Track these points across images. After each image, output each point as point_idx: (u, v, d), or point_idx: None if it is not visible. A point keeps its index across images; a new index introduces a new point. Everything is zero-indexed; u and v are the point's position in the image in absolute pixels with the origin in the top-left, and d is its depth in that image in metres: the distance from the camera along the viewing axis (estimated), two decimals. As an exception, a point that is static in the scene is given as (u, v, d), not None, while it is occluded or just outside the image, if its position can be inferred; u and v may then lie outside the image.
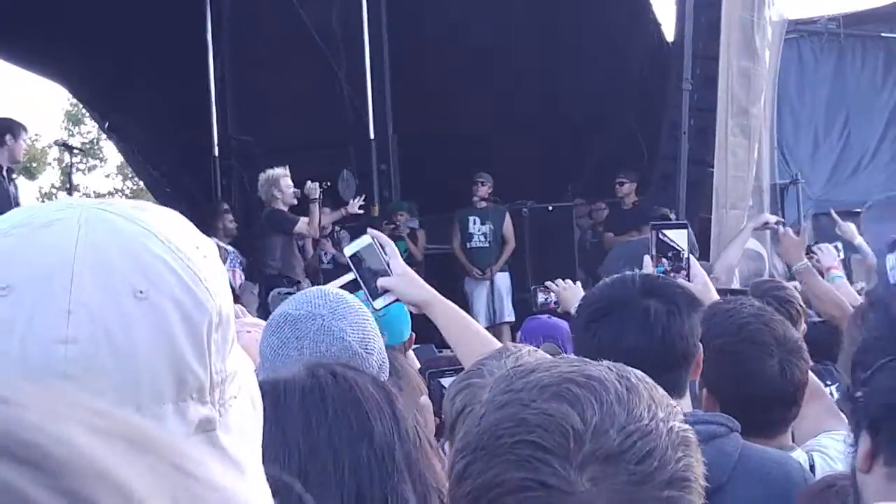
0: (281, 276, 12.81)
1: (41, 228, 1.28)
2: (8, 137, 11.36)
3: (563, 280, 6.14)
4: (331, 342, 3.00)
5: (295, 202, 13.17)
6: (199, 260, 1.31)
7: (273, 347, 3.03)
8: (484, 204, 15.45)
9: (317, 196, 12.85)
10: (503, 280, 15.18)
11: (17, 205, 11.41)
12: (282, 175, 13.18)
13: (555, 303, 6.35)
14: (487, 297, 15.08)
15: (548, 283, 7.18)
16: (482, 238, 15.41)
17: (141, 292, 1.25)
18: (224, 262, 14.14)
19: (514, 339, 13.05)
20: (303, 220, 12.98)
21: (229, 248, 14.29)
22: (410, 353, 5.51)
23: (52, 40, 17.65)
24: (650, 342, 3.14)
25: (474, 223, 15.44)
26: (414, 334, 5.47)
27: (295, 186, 13.53)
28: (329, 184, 13.15)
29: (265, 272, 13.70)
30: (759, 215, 10.30)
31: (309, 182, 12.99)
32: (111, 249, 1.26)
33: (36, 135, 40.45)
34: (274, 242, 13.27)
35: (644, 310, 3.19)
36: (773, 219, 9.17)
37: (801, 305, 5.62)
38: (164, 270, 1.27)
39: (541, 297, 6.86)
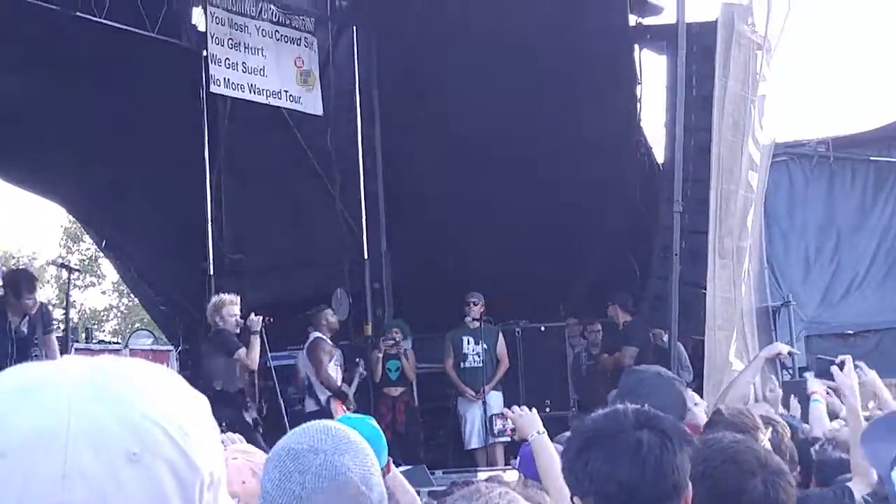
0: (224, 394, 12.83)
1: (33, 392, 1.31)
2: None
3: (520, 407, 6.18)
4: (333, 477, 3.03)
5: (237, 331, 13.14)
6: (191, 420, 1.34)
7: (274, 482, 3.06)
8: (477, 324, 15.46)
9: (258, 329, 12.85)
10: (496, 399, 15.11)
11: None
12: (228, 302, 13.19)
13: (511, 430, 6.36)
14: (481, 418, 15.04)
15: (504, 410, 7.23)
16: (476, 358, 15.39)
17: (134, 454, 1.28)
18: (331, 360, 14.32)
19: (507, 462, 13.06)
20: (241, 349, 12.96)
21: (335, 349, 14.78)
22: (398, 474, 5.49)
23: (52, 160, 17.78)
24: (642, 474, 3.17)
25: (468, 343, 15.43)
26: (391, 459, 5.47)
27: (270, 309, 13.60)
28: (272, 319, 13.11)
29: (208, 391, 13.75)
30: (771, 345, 10.34)
31: (252, 314, 12.99)
32: (103, 413, 1.29)
33: (34, 252, 40.62)
34: (217, 362, 13.28)
35: (637, 441, 3.23)
36: (785, 349, 9.24)
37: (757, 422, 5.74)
38: (156, 432, 1.30)
39: (498, 425, 6.92)
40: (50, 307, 13.30)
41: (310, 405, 14.67)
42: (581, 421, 3.62)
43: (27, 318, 11.98)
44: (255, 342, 12.85)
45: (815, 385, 8.52)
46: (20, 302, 11.79)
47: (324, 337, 14.86)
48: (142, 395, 1.32)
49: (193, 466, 1.31)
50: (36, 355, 11.84)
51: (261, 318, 12.90)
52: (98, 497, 1.26)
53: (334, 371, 14.87)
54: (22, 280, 12.38)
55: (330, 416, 14.01)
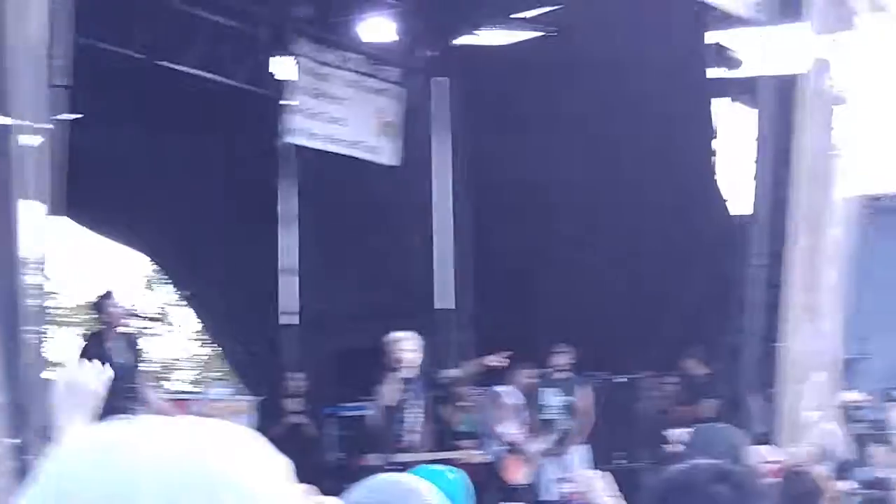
0: None
1: (108, 449, 1.32)
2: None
3: (584, 471, 6.17)
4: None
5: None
6: (267, 484, 1.33)
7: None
8: (562, 375, 15.39)
9: None
10: (580, 454, 14.92)
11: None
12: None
13: (578, 493, 6.33)
14: (560, 470, 14.83)
15: (571, 474, 7.23)
16: (558, 410, 15.28)
17: None
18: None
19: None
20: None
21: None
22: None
23: (136, 211, 17.99)
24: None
25: (551, 395, 15.34)
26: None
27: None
28: None
29: None
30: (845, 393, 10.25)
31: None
32: (177, 475, 1.29)
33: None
34: None
35: (714, 495, 3.23)
36: (860, 397, 9.19)
37: (822, 487, 5.71)
38: (229, 498, 1.29)
39: (565, 488, 6.86)
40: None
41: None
42: (656, 475, 3.62)
43: (125, 343, 12.15)
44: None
45: None
46: (108, 313, 11.89)
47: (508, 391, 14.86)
48: (215, 457, 1.32)
49: None
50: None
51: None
52: None
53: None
54: (101, 297, 12.60)
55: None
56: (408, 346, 13.10)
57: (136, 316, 12.11)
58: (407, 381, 13.09)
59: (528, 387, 14.91)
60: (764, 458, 6.77)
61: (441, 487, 3.30)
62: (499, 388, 14.68)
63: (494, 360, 13.82)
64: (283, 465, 1.37)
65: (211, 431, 1.35)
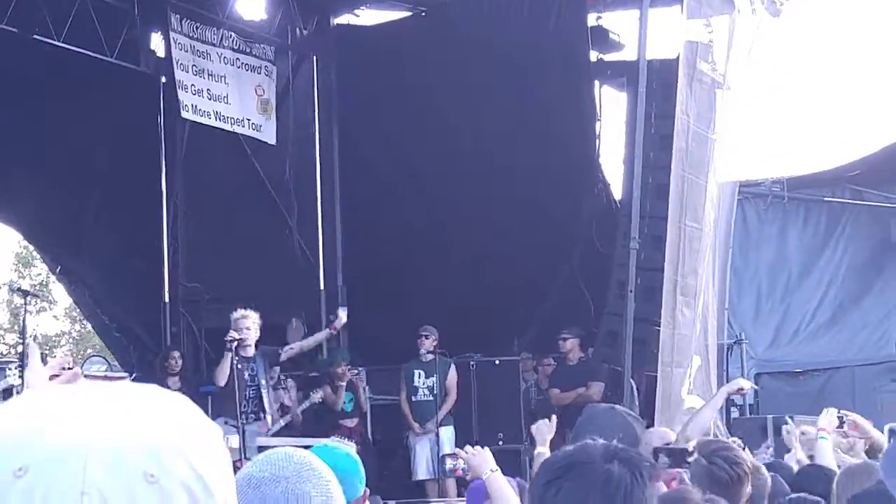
0: None
1: (58, 412, 1.34)
2: None
3: (473, 446, 6.16)
4: (295, 505, 3.03)
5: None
6: (207, 447, 1.37)
7: (237, 511, 3.04)
8: (429, 357, 15.46)
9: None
10: (447, 434, 15.11)
11: None
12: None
13: (463, 469, 6.34)
14: (431, 451, 15.01)
15: (456, 450, 7.24)
16: (426, 392, 15.38)
17: (152, 476, 1.30)
18: None
19: (460, 494, 13.05)
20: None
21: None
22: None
23: (7, 184, 17.72)
24: (611, 504, 3.18)
25: (419, 376, 15.42)
26: (367, 490, 5.46)
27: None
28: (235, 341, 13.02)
29: None
30: (734, 380, 10.41)
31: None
32: (123, 434, 1.32)
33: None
34: None
35: (607, 473, 3.22)
36: (747, 384, 9.31)
37: (749, 465, 5.69)
38: (174, 456, 1.32)
39: (448, 463, 6.87)
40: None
41: None
42: (552, 454, 3.61)
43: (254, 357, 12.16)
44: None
45: (823, 421, 8.55)
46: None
47: None
48: (159, 418, 1.35)
49: (208, 490, 1.34)
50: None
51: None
52: None
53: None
54: None
55: None
56: (245, 324, 12.95)
57: (22, 291, 11.82)
58: (245, 359, 12.95)
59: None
60: (664, 440, 6.78)
61: (336, 464, 3.30)
62: None
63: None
64: (217, 431, 1.42)
65: (152, 395, 1.40)
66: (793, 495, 6.29)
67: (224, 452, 1.42)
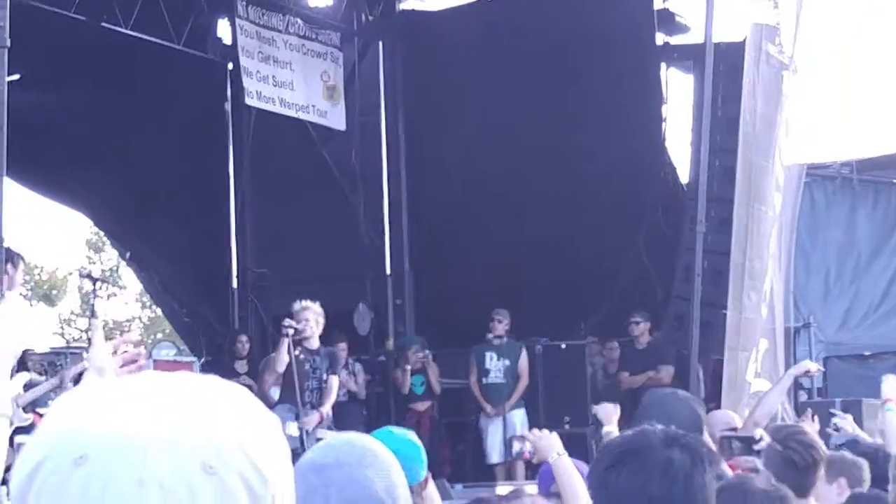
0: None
1: (120, 401, 1.37)
2: (9, 266, 11.46)
3: (540, 429, 6.17)
4: (357, 490, 3.04)
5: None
6: (265, 438, 1.40)
7: (300, 495, 3.05)
8: (501, 340, 15.48)
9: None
10: (519, 417, 15.13)
11: None
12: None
13: (530, 452, 6.34)
14: (502, 434, 15.03)
15: (524, 433, 7.25)
16: (498, 374, 15.41)
17: (211, 467, 1.33)
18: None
19: (528, 477, 13.05)
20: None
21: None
22: (431, 489, 5.51)
23: (77, 171, 17.89)
24: (671, 491, 3.19)
25: (491, 359, 15.44)
26: (430, 474, 5.48)
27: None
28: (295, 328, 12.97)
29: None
30: (801, 363, 10.31)
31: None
32: (183, 425, 1.34)
33: (56, 268, 40.72)
34: None
35: (667, 459, 3.24)
36: (814, 367, 9.22)
37: (822, 451, 5.66)
38: (232, 447, 1.35)
39: (516, 446, 6.85)
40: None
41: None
42: (610, 439, 3.63)
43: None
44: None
45: (889, 390, 8.06)
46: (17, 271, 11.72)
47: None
48: (219, 410, 1.37)
49: (266, 482, 1.36)
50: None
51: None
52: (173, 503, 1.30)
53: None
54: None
55: None
56: (304, 316, 12.89)
57: (91, 277, 11.86)
58: (308, 351, 12.92)
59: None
60: (727, 424, 6.77)
61: (398, 449, 3.34)
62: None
63: None
64: (276, 422, 1.44)
65: (213, 385, 1.41)
66: None
67: (283, 445, 1.44)
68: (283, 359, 12.62)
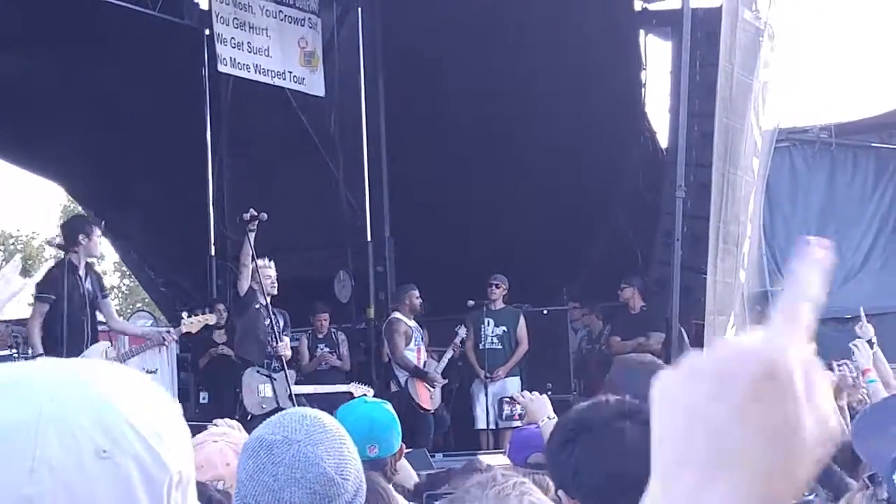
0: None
1: (8, 387, 1.35)
2: (81, 237, 11.39)
3: (531, 392, 6.15)
4: (306, 468, 3.02)
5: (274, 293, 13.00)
6: (163, 422, 1.38)
7: (248, 472, 3.06)
8: (499, 306, 15.43)
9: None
10: (513, 384, 15.01)
11: (96, 297, 11.47)
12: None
13: (520, 415, 6.36)
14: (493, 399, 14.93)
15: (514, 395, 7.24)
16: (495, 340, 15.34)
17: (104, 451, 1.31)
18: (409, 341, 14.28)
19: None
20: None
21: (420, 329, 14.85)
22: (404, 461, 5.50)
23: (50, 140, 17.80)
24: (624, 464, 3.16)
25: (488, 324, 15.37)
26: (404, 444, 5.47)
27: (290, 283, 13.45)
28: (266, 216, 12.89)
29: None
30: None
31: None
32: (75, 410, 1.32)
33: (33, 232, 40.58)
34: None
35: (618, 432, 3.21)
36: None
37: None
38: (127, 431, 1.33)
39: (506, 409, 6.86)
40: None
41: (392, 387, 14.64)
42: (563, 414, 3.60)
43: (88, 275, 11.83)
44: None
45: (865, 360, 8.06)
46: (91, 242, 11.50)
47: (402, 318, 14.77)
48: (115, 395, 1.35)
49: (163, 465, 1.34)
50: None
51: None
52: (65, 490, 1.28)
53: (414, 351, 14.80)
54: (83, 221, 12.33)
55: (410, 397, 14.07)
56: (268, 273, 12.87)
57: (58, 247, 11.74)
58: (266, 308, 12.88)
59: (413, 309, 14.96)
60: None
61: (373, 420, 3.32)
62: (395, 315, 14.80)
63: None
64: (177, 407, 1.43)
65: (110, 371, 1.41)
66: None
67: (184, 429, 1.42)
68: (246, 251, 12.67)
